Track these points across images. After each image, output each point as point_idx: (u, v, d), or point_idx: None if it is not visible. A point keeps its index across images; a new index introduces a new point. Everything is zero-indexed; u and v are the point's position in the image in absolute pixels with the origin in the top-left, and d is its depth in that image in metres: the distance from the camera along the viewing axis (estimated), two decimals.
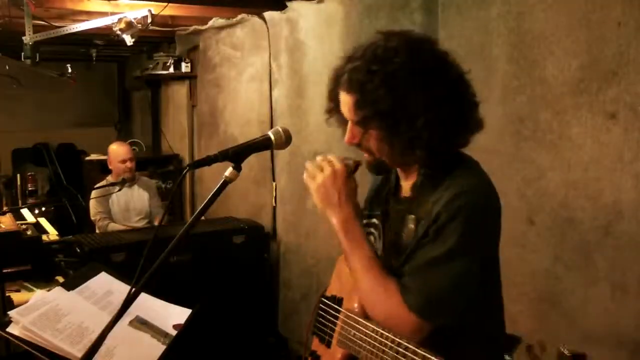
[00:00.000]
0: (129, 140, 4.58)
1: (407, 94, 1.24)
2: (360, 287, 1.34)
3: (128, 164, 4.29)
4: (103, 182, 4.30)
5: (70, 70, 4.43)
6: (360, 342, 1.33)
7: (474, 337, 1.35)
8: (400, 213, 1.40)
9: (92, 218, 4.26)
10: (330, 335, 1.52)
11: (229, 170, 1.33)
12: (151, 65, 5.29)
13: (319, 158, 1.43)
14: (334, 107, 1.41)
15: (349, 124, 1.36)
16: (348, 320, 1.41)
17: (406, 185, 1.42)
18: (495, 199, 1.33)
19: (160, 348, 1.60)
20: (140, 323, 1.66)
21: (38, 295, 1.68)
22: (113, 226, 4.19)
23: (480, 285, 1.27)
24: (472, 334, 1.34)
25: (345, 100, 1.33)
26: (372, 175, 1.54)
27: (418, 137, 1.25)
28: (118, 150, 4.35)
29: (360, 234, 1.37)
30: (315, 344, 1.60)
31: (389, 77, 1.24)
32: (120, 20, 3.48)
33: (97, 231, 4.21)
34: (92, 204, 4.25)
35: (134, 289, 1.26)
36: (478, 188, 1.29)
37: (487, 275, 1.33)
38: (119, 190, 4.18)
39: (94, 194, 4.26)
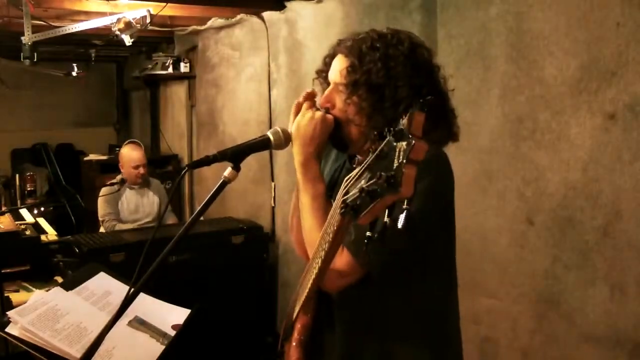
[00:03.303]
0: (128, 141, 4.51)
1: (399, 78, 1.32)
2: (304, 225, 1.38)
3: (141, 170, 4.18)
4: (113, 181, 4.22)
5: (76, 69, 4.40)
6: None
7: (412, 303, 1.37)
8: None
9: (100, 218, 4.22)
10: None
11: (228, 171, 1.33)
12: (150, 66, 5.29)
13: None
14: (323, 70, 1.47)
15: (330, 88, 1.42)
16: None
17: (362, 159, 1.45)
18: (449, 171, 1.34)
19: (159, 348, 1.60)
20: (139, 323, 1.66)
21: (37, 295, 1.68)
22: (120, 227, 4.15)
23: (417, 246, 1.23)
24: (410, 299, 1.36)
25: (340, 62, 1.39)
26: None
27: (395, 120, 1.29)
28: (132, 155, 4.18)
29: (317, 174, 1.40)
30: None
31: (389, 58, 1.33)
32: (119, 20, 3.48)
33: (101, 230, 4.19)
34: (101, 203, 4.18)
35: (132, 289, 1.26)
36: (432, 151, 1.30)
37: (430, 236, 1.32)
38: (118, 190, 4.16)
39: (102, 191, 4.21)
